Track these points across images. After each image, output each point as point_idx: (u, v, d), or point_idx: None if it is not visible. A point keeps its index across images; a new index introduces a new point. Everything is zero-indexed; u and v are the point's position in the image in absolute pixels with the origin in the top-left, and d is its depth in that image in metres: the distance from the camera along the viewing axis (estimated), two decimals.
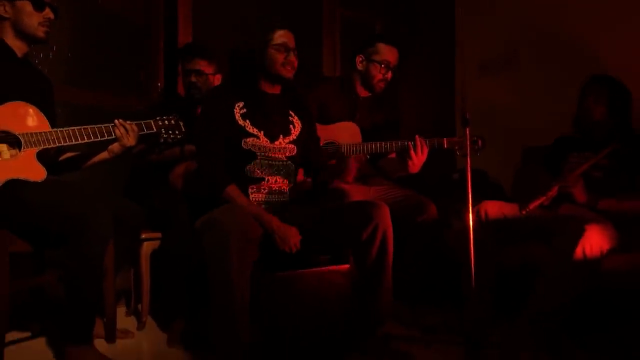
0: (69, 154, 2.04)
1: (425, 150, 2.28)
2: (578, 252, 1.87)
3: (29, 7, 1.86)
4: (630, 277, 1.85)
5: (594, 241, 1.88)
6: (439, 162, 2.57)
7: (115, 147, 1.95)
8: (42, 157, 1.83)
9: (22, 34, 1.89)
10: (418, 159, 2.26)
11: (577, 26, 2.86)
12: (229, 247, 1.62)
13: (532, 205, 2.07)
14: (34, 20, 1.87)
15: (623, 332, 1.36)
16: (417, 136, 2.28)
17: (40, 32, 1.89)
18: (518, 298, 2.00)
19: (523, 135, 2.98)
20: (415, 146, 2.26)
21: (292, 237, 1.82)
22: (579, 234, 1.88)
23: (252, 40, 2.01)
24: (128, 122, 1.92)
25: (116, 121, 1.90)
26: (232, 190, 1.87)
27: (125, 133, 1.91)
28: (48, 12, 1.89)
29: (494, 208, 2.20)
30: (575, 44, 2.84)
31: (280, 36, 1.97)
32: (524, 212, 2.08)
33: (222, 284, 1.65)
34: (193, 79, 2.51)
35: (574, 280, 1.88)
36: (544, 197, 2.10)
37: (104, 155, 2.00)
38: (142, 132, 1.96)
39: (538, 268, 1.99)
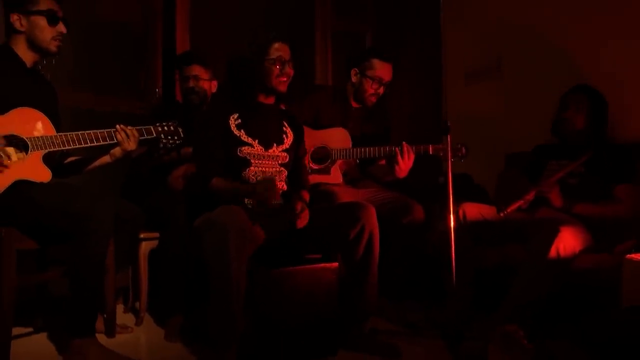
0: (72, 158, 2.14)
1: (412, 156, 2.41)
2: (552, 252, 1.98)
3: (43, 22, 1.95)
4: (597, 275, 1.98)
5: (568, 242, 2.00)
6: (427, 167, 2.69)
7: (116, 151, 2.05)
8: (48, 160, 1.93)
9: (34, 46, 1.98)
10: (405, 164, 2.39)
11: (559, 37, 2.97)
12: (227, 246, 1.71)
13: (510, 209, 2.18)
14: (47, 35, 1.96)
15: (588, 323, 1.49)
16: (404, 143, 2.40)
17: (53, 46, 1.99)
18: (496, 295, 2.12)
19: (507, 142, 3.11)
20: (402, 152, 2.39)
21: (270, 190, 1.88)
22: (553, 235, 2.00)
23: (248, 49, 2.08)
24: (129, 127, 2.01)
25: (117, 126, 1.99)
26: (217, 181, 1.98)
27: (126, 138, 2.00)
28: (61, 27, 1.98)
29: (473, 209, 2.31)
30: (558, 55, 2.96)
31: (276, 50, 2.06)
32: (502, 215, 2.19)
33: (220, 279, 1.74)
34: (191, 84, 2.63)
35: (548, 278, 1.99)
36: (522, 201, 2.22)
37: (105, 159, 2.09)
38: (143, 137, 2.05)
39: (515, 267, 2.10)
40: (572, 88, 2.40)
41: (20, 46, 1.98)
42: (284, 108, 2.26)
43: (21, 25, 1.95)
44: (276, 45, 2.06)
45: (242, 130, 2.07)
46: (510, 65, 3.28)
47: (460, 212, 2.28)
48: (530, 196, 2.23)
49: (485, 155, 2.97)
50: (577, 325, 1.54)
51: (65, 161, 2.13)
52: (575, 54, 2.86)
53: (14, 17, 1.94)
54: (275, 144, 2.13)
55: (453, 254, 2.01)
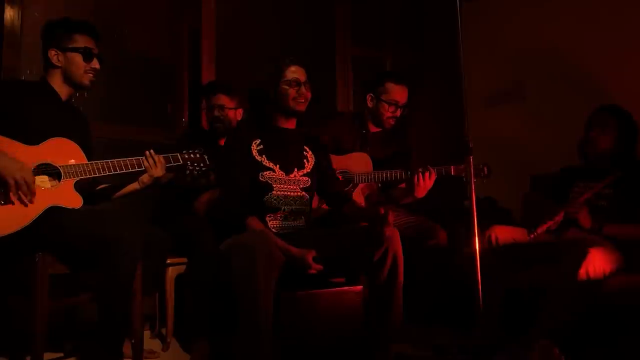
0: (103, 185, 2.21)
1: (433, 177, 2.41)
2: (582, 273, 1.95)
3: (79, 59, 2.05)
4: (628, 296, 1.93)
5: (597, 263, 1.97)
6: (451, 191, 2.68)
7: (145, 177, 2.12)
8: (80, 187, 2.00)
9: (69, 81, 2.08)
10: (425, 183, 2.39)
11: (580, 58, 2.97)
12: (255, 268, 1.74)
13: (540, 230, 2.19)
14: (81, 70, 2.06)
15: (621, 345, 1.44)
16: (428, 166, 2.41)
17: (86, 80, 2.09)
18: (526, 318, 2.07)
19: (531, 163, 3.08)
20: (423, 172, 2.39)
21: (310, 262, 1.92)
22: (582, 256, 1.97)
23: (265, 75, 2.15)
24: (156, 154, 2.08)
25: (146, 152, 2.07)
26: (251, 221, 2.01)
27: (154, 164, 2.08)
28: (95, 63, 2.08)
29: (505, 233, 2.29)
30: (580, 76, 2.95)
31: (292, 72, 2.12)
32: (532, 236, 2.19)
33: (249, 302, 1.76)
34: (216, 113, 2.70)
35: (578, 300, 1.95)
36: (552, 222, 2.21)
37: (134, 185, 2.16)
38: (169, 164, 2.12)
39: (545, 289, 2.06)
40: (598, 108, 2.37)
41: (56, 80, 2.08)
42: (305, 130, 2.29)
43: (58, 60, 2.05)
44: (292, 68, 2.13)
45: (263, 156, 2.12)
46: (531, 87, 3.28)
47: (493, 236, 2.26)
48: (560, 217, 2.22)
49: (510, 177, 2.94)
50: (611, 347, 1.50)
51: (96, 188, 2.20)
52: (598, 74, 2.85)
53: (52, 53, 2.05)
54: (296, 169, 2.17)
55: (479, 277, 1.98)
